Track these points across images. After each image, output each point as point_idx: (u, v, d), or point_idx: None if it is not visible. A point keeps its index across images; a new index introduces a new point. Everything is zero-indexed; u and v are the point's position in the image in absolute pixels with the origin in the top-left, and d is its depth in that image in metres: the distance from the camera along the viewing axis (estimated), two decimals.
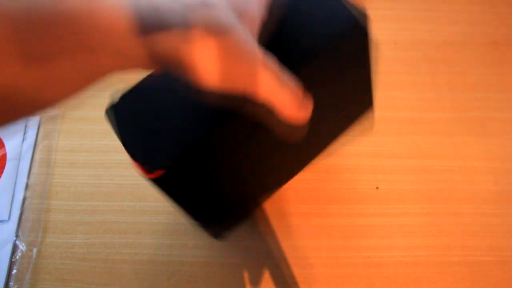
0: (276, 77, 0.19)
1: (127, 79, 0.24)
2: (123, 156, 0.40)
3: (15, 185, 0.38)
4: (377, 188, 0.38)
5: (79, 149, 0.41)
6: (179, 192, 0.25)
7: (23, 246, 0.36)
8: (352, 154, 0.40)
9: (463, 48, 0.46)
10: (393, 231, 0.37)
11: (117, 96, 0.24)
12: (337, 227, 0.37)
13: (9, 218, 0.37)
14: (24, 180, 0.39)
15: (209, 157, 0.24)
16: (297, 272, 0.35)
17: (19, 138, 0.40)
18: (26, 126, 0.41)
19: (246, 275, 0.35)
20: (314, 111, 0.22)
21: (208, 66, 0.17)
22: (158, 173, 0.22)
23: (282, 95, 0.19)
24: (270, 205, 0.38)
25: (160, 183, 0.23)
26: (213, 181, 0.27)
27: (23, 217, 0.37)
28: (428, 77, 0.44)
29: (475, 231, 0.37)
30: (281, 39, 0.23)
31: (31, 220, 0.37)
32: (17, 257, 0.35)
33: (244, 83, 0.18)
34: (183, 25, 0.16)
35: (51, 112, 0.42)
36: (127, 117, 0.23)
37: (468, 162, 0.40)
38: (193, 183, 0.25)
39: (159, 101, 0.23)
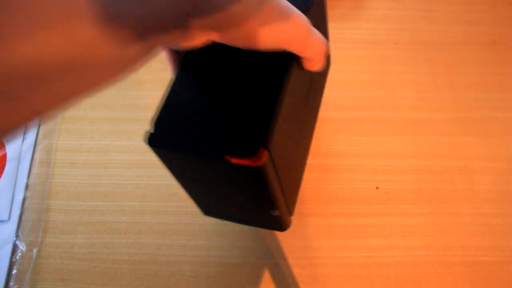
0: (312, 31, 0.21)
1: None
2: (123, 156, 0.40)
3: (15, 185, 0.38)
4: (377, 188, 0.38)
5: (79, 149, 0.41)
6: (274, 171, 0.24)
7: (23, 246, 0.36)
8: (352, 154, 0.40)
9: (463, 48, 0.46)
10: (393, 231, 0.37)
11: (152, 126, 0.23)
12: (337, 227, 0.37)
13: (9, 218, 0.37)
14: (24, 180, 0.39)
15: (284, 125, 0.24)
16: (297, 272, 0.35)
17: (19, 138, 0.40)
18: None
19: (246, 275, 0.35)
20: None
21: (261, 28, 0.19)
22: (263, 154, 0.21)
23: (315, 47, 0.22)
24: None
25: (262, 166, 0.22)
26: (289, 152, 0.27)
27: (23, 217, 0.37)
28: (428, 77, 0.44)
29: (475, 231, 0.37)
30: None
31: (31, 220, 0.37)
32: (17, 257, 0.35)
33: (289, 39, 0.21)
34: None
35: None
36: (177, 136, 0.22)
37: (468, 162, 0.40)
38: (281, 157, 0.24)
39: (198, 104, 0.23)
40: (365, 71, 0.45)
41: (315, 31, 0.22)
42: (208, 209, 0.33)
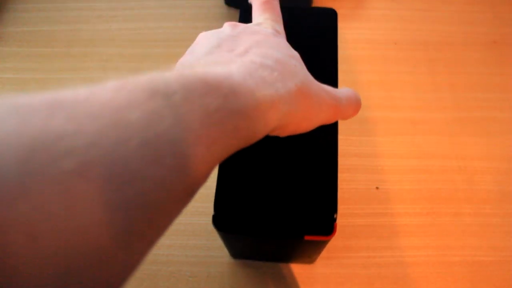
0: (343, 102, 0.22)
1: None
2: None
3: None
4: (377, 188, 0.38)
5: None
6: None
7: None
8: (352, 154, 0.40)
9: (463, 48, 0.46)
10: (393, 231, 0.37)
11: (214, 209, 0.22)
12: (337, 227, 0.37)
13: None
14: None
15: None
16: (297, 272, 0.35)
17: None
18: None
19: (246, 275, 0.35)
20: None
21: (301, 122, 0.19)
22: (335, 227, 0.22)
23: (348, 113, 0.23)
24: None
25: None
26: None
27: None
28: (428, 77, 0.44)
29: (475, 231, 0.37)
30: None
31: None
32: None
33: (326, 119, 0.21)
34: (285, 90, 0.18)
35: None
36: (243, 217, 0.22)
37: (468, 162, 0.40)
38: None
39: (252, 179, 0.22)
40: (365, 71, 0.45)
41: (345, 97, 0.22)
42: (239, 255, 0.34)
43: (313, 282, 0.35)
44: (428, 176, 0.39)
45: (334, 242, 0.36)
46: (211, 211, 0.39)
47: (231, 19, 0.28)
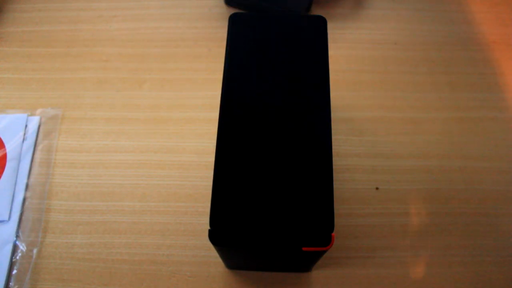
0: None
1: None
2: (123, 156, 0.40)
3: (15, 185, 0.38)
4: (377, 188, 0.38)
5: (79, 149, 0.41)
6: None
7: (23, 247, 0.36)
8: (352, 154, 0.40)
9: (463, 48, 0.46)
10: (393, 231, 0.37)
11: (210, 224, 0.22)
12: (337, 227, 0.37)
13: (9, 218, 0.37)
14: (24, 180, 0.39)
15: None
16: (297, 272, 0.35)
17: (19, 138, 0.40)
18: (26, 126, 0.41)
19: (246, 276, 0.35)
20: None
21: None
22: (332, 238, 0.22)
23: None
24: None
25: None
26: None
27: (23, 217, 0.37)
28: (428, 77, 0.44)
29: (475, 231, 0.37)
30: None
31: (31, 220, 0.37)
32: (17, 257, 0.35)
33: None
34: None
35: (51, 112, 0.42)
36: (240, 229, 0.22)
37: (468, 162, 0.40)
38: None
39: (248, 190, 0.22)
40: (365, 71, 0.45)
41: None
42: (234, 266, 0.34)
43: (312, 282, 0.35)
44: (428, 176, 0.39)
45: (334, 242, 0.36)
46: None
47: None
